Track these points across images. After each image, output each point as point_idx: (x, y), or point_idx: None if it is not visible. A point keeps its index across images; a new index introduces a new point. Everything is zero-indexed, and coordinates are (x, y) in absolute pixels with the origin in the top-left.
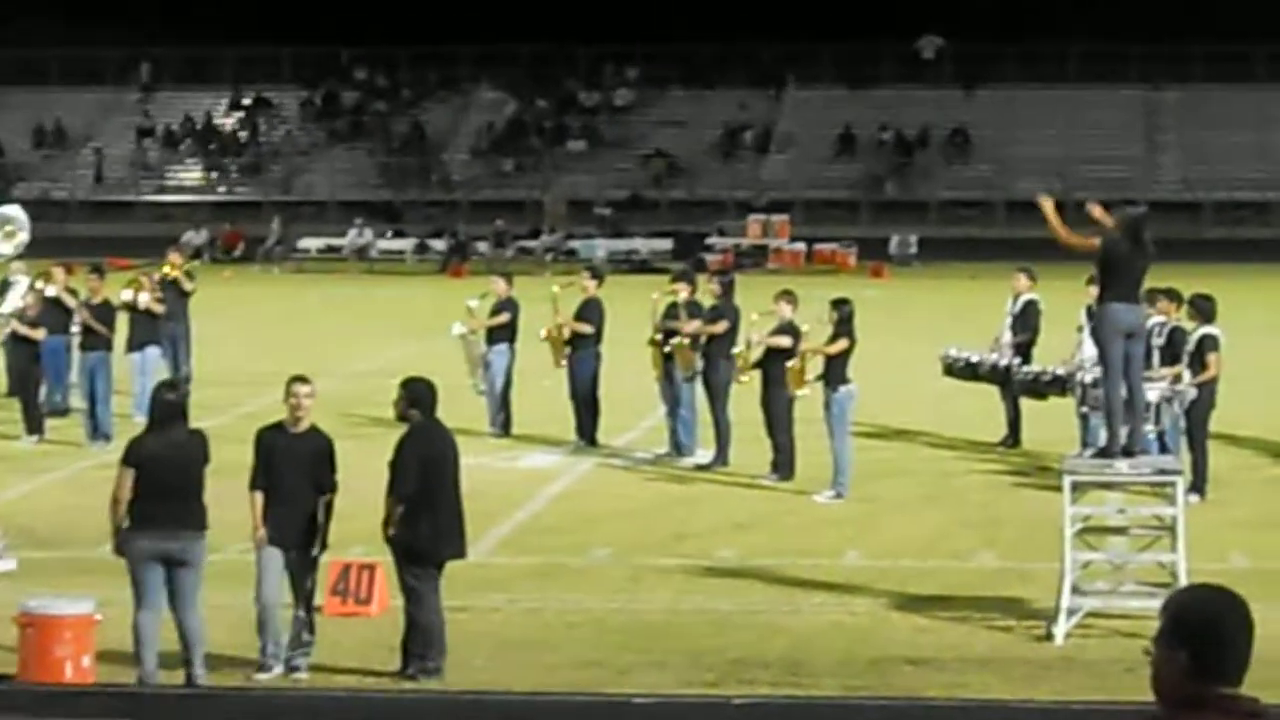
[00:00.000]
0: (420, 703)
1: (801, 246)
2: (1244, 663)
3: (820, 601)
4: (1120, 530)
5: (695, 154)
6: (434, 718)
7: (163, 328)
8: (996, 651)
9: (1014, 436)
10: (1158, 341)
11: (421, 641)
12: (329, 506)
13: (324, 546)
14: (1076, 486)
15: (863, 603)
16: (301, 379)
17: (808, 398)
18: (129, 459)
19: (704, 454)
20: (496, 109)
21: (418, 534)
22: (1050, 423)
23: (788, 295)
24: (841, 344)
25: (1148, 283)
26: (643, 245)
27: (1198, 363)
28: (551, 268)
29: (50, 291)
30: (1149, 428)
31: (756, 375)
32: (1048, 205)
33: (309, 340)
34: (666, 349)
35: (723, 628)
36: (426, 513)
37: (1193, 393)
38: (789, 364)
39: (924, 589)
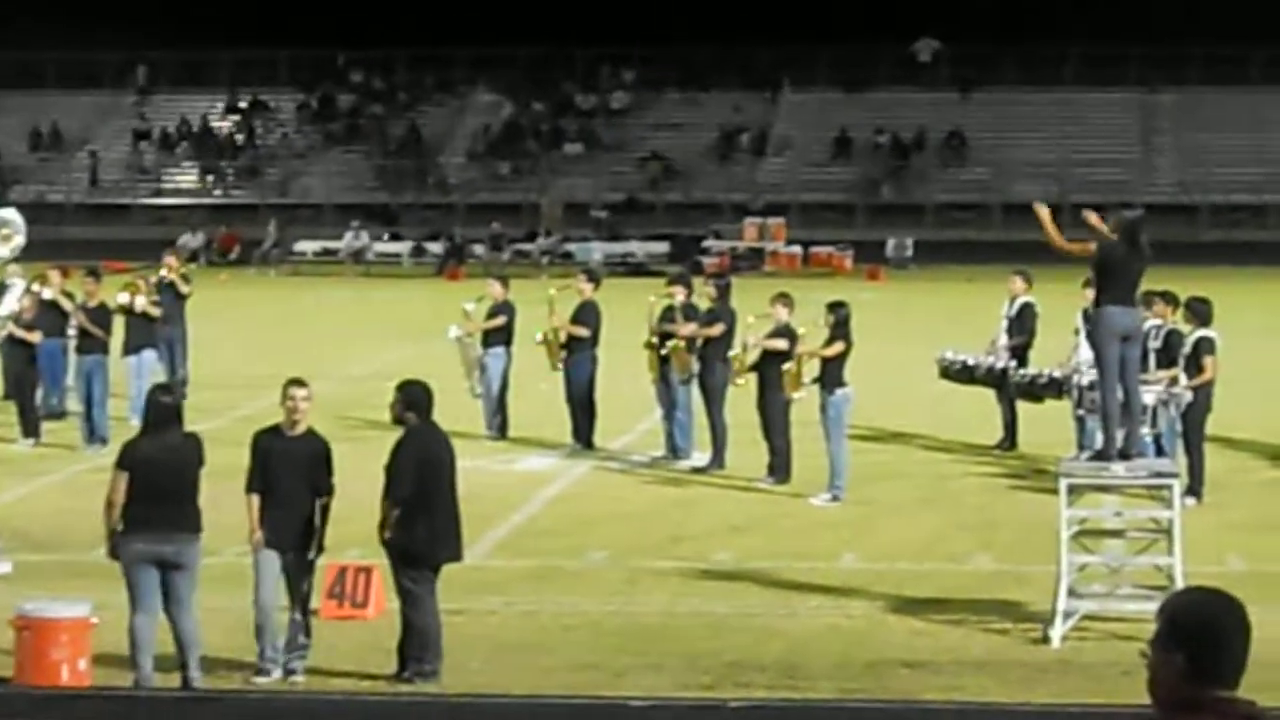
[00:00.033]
0: (417, 706)
1: (798, 249)
2: (1241, 665)
3: (817, 604)
4: (1117, 533)
5: (691, 157)
6: None
7: (159, 331)
8: (993, 654)
9: (1010, 439)
10: (1154, 344)
11: (418, 644)
12: (325, 509)
13: (320, 549)
14: (1073, 489)
15: (859, 605)
16: (298, 382)
17: (804, 400)
18: (123, 462)
19: (700, 457)
20: (493, 112)
21: (414, 537)
22: (1046, 425)
23: (784, 298)
24: (838, 347)
25: (1144, 285)
26: (639, 248)
27: (1194, 366)
28: (548, 270)
29: (46, 294)
30: (1145, 431)
31: (753, 378)
32: (1044, 214)
33: (305, 343)
34: (663, 352)
35: (719, 630)
36: (423, 516)
37: (1189, 396)
38: (785, 367)
39: (920, 592)
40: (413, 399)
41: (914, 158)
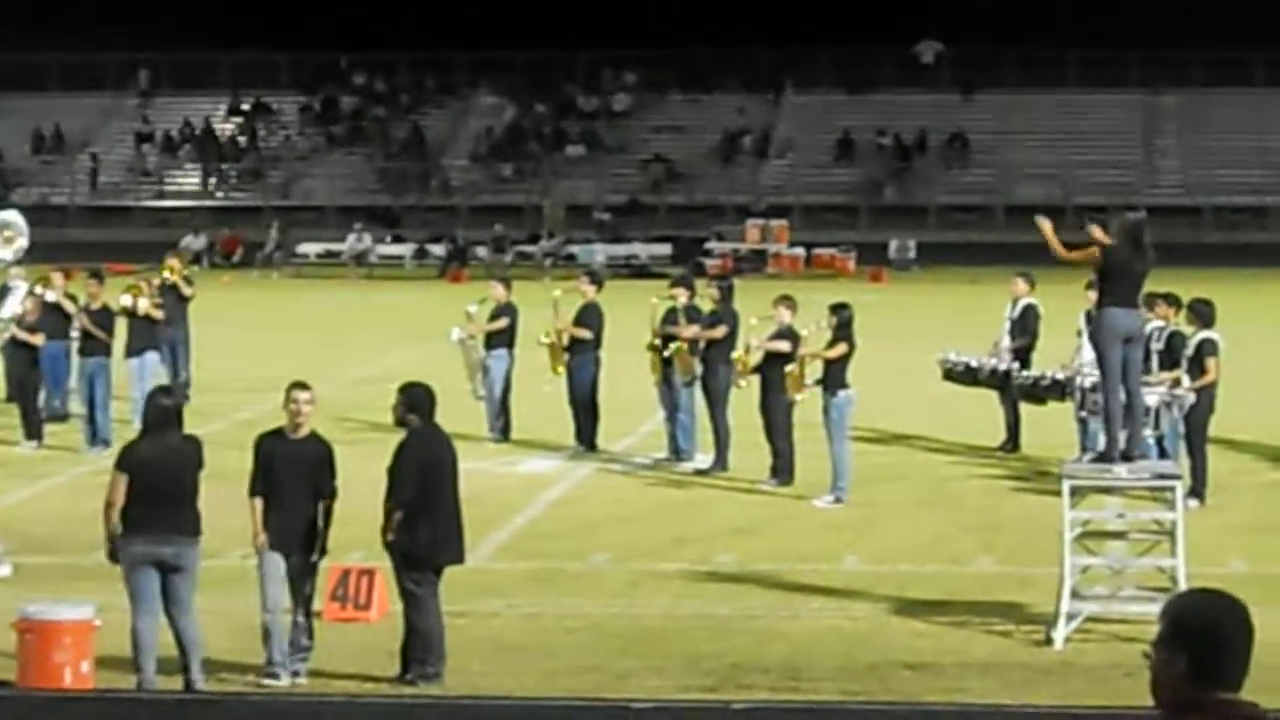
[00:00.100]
0: (419, 708)
1: (800, 251)
2: (1244, 667)
3: (819, 606)
4: (1119, 535)
5: (694, 159)
6: None
7: (162, 333)
8: (996, 656)
9: (1013, 441)
10: (1157, 346)
11: (421, 646)
12: (328, 512)
13: (323, 552)
14: (1076, 491)
15: (862, 607)
16: (301, 385)
17: (806, 402)
18: (123, 464)
19: (703, 459)
20: (495, 114)
21: (417, 539)
22: (1049, 427)
23: (786, 300)
24: (840, 349)
25: (1147, 287)
26: (642, 250)
27: (1197, 367)
28: (550, 273)
29: (49, 297)
30: (1148, 432)
31: (755, 380)
32: (1046, 226)
33: (308, 345)
34: (665, 354)
35: (722, 633)
36: (425, 518)
37: (1192, 397)
38: (788, 369)
39: (923, 594)
40: (415, 401)
41: (916, 159)
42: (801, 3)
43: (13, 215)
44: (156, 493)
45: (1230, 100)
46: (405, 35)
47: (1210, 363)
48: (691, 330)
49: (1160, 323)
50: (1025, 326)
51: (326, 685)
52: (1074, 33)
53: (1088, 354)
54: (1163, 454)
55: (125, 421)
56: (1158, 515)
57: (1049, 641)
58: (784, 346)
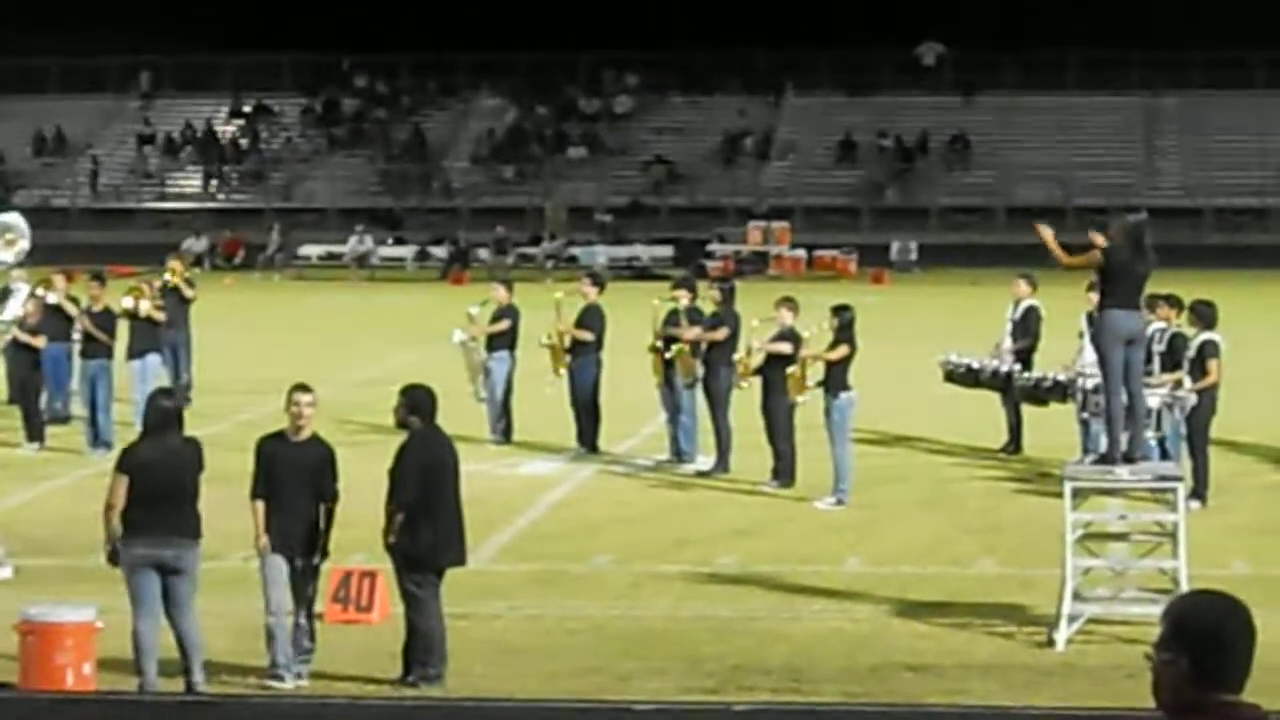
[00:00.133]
0: (421, 709)
1: (802, 253)
2: (1245, 669)
3: (821, 608)
4: (1121, 536)
5: (695, 160)
6: None
7: (163, 335)
8: (997, 658)
9: (1015, 443)
10: (1158, 348)
11: (422, 648)
12: (330, 514)
13: (325, 554)
14: (1077, 492)
15: (863, 609)
16: (303, 388)
17: (808, 404)
18: (123, 466)
19: (705, 460)
20: (497, 116)
21: (418, 541)
22: (1051, 429)
23: (788, 302)
24: (842, 350)
25: (1148, 289)
26: (643, 252)
27: (1198, 369)
28: (552, 274)
29: (51, 299)
30: (1150, 434)
31: (757, 382)
32: (1047, 234)
33: (309, 348)
34: (667, 356)
35: (723, 634)
36: (427, 520)
37: (1193, 399)
38: (789, 370)
39: (925, 595)
40: (416, 403)
41: (918, 161)
42: (803, 4)
43: (14, 218)
44: (157, 495)
45: (1231, 102)
46: (407, 37)
47: (1212, 364)
48: (693, 332)
49: (1162, 324)
50: (1027, 328)
51: (328, 687)
52: (1075, 34)
53: (1089, 355)
54: (1164, 455)
55: (127, 423)
56: (1159, 517)
57: (1051, 643)
58: (785, 348)
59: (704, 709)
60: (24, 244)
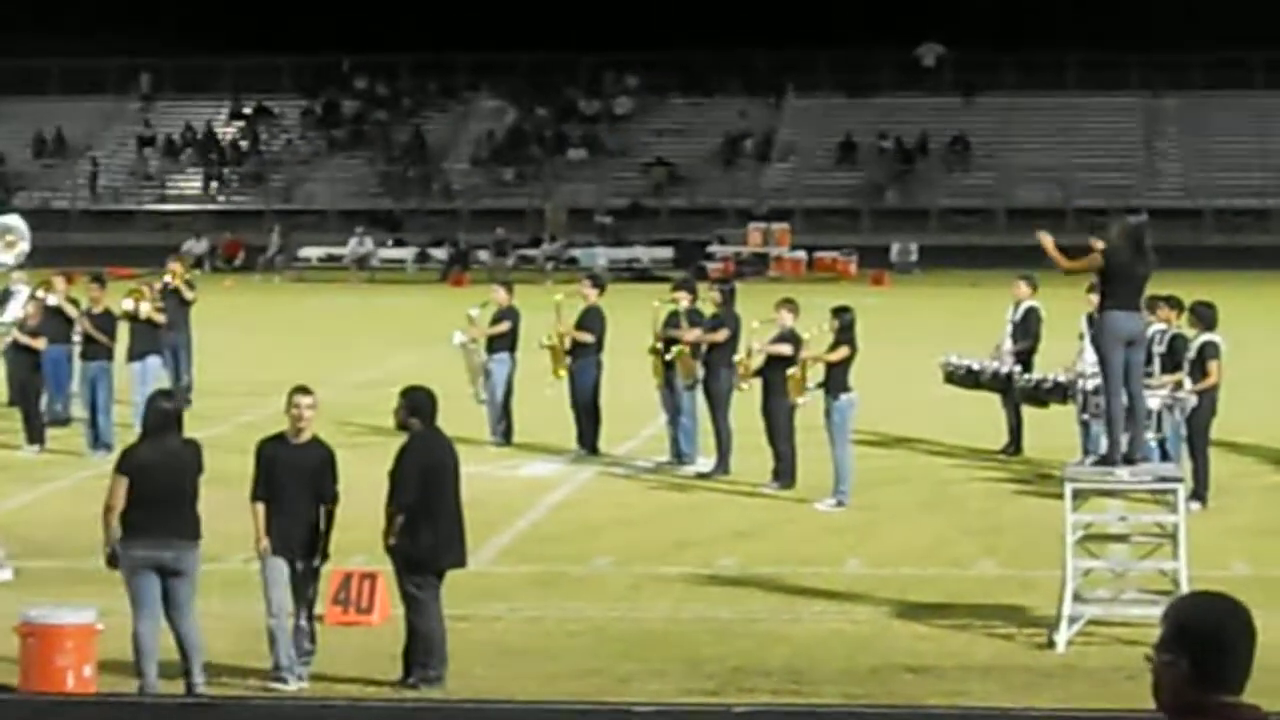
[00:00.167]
0: (421, 711)
1: (802, 254)
2: (1246, 670)
3: (821, 609)
4: (1122, 538)
5: (696, 162)
6: None
7: (164, 337)
8: (998, 659)
9: (1015, 444)
10: (1159, 349)
11: (423, 650)
12: (330, 516)
13: (325, 556)
14: (1078, 494)
15: (864, 611)
16: (303, 390)
17: (808, 405)
18: (122, 467)
19: (705, 462)
20: (497, 118)
21: (418, 543)
22: (1051, 430)
23: (788, 303)
24: (842, 352)
25: (1148, 290)
26: (644, 253)
27: (1199, 370)
28: (552, 276)
29: (51, 301)
30: (1150, 435)
31: (757, 383)
32: (1047, 241)
33: (309, 349)
34: (667, 357)
35: (723, 636)
36: (427, 522)
37: (1194, 400)
38: (790, 372)
39: (925, 597)
40: (416, 405)
41: (918, 162)
42: (803, 6)
43: (14, 219)
44: (156, 497)
45: (1230, 103)
46: (406, 38)
47: (1212, 365)
48: (693, 333)
49: (1162, 325)
50: (1027, 329)
51: (329, 689)
52: (1074, 36)
53: (1090, 357)
54: (1164, 457)
55: (127, 425)
56: (1160, 518)
57: (1051, 644)
58: (786, 350)
59: (704, 711)
60: (24, 246)
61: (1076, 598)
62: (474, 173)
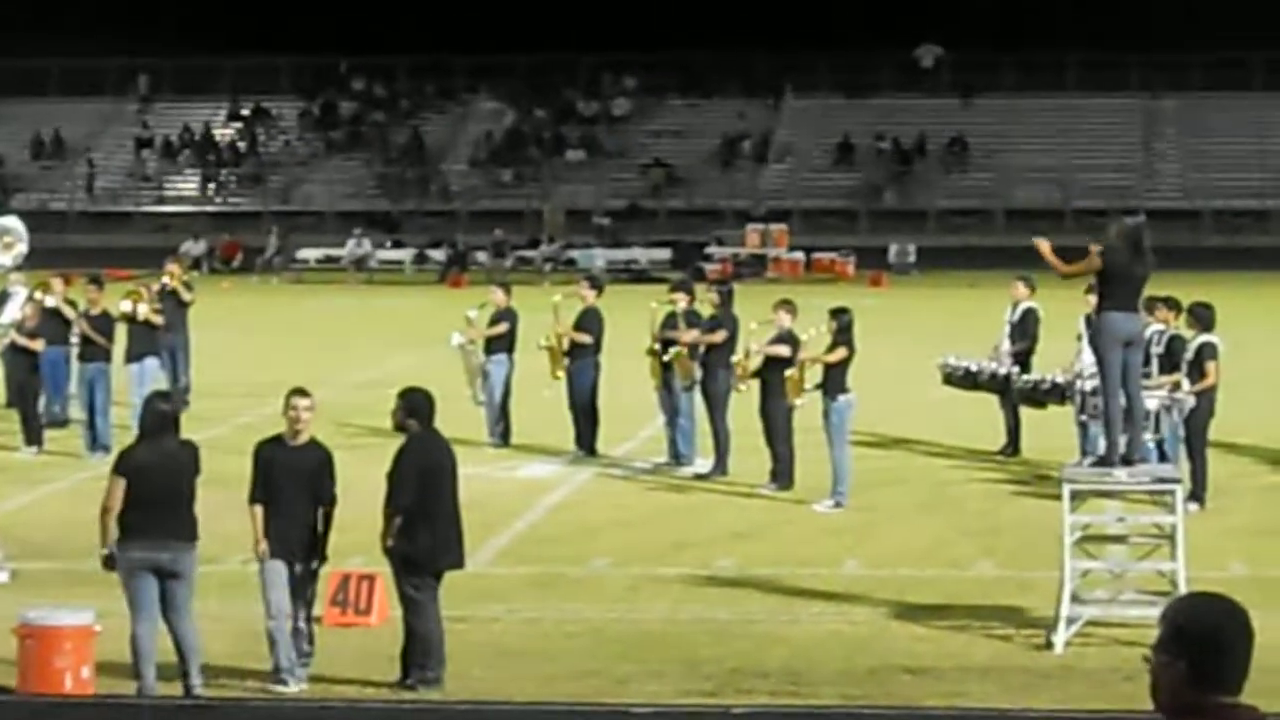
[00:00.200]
0: (419, 712)
1: (800, 255)
2: (1243, 671)
3: (819, 611)
4: (1120, 539)
5: (693, 163)
6: None
7: (161, 339)
8: (996, 660)
9: (1013, 445)
10: (1157, 350)
11: (421, 651)
12: (328, 518)
13: (324, 558)
14: (1076, 495)
15: (862, 612)
16: (301, 392)
17: (806, 406)
18: (120, 469)
19: (703, 463)
20: (495, 119)
21: (416, 544)
22: (1049, 431)
23: (786, 304)
24: (840, 353)
25: (1146, 291)
26: (641, 255)
27: (1196, 371)
28: (550, 277)
29: (49, 302)
30: (1148, 436)
31: (755, 384)
32: (1044, 247)
33: (307, 351)
34: (665, 358)
35: (721, 637)
36: (425, 523)
37: (1191, 401)
38: (788, 373)
39: (923, 598)
40: (414, 406)
41: (916, 164)
42: (801, 7)
43: (12, 221)
44: (154, 498)
45: (1229, 104)
46: (405, 40)
47: (1210, 366)
48: (691, 335)
49: (1160, 326)
50: (1025, 330)
51: (327, 690)
52: (1073, 36)
53: (1088, 358)
54: (1163, 458)
55: (125, 427)
56: (1158, 519)
57: (1049, 645)
58: (784, 351)
59: (702, 712)
60: (22, 247)
61: (1074, 599)
62: (472, 174)
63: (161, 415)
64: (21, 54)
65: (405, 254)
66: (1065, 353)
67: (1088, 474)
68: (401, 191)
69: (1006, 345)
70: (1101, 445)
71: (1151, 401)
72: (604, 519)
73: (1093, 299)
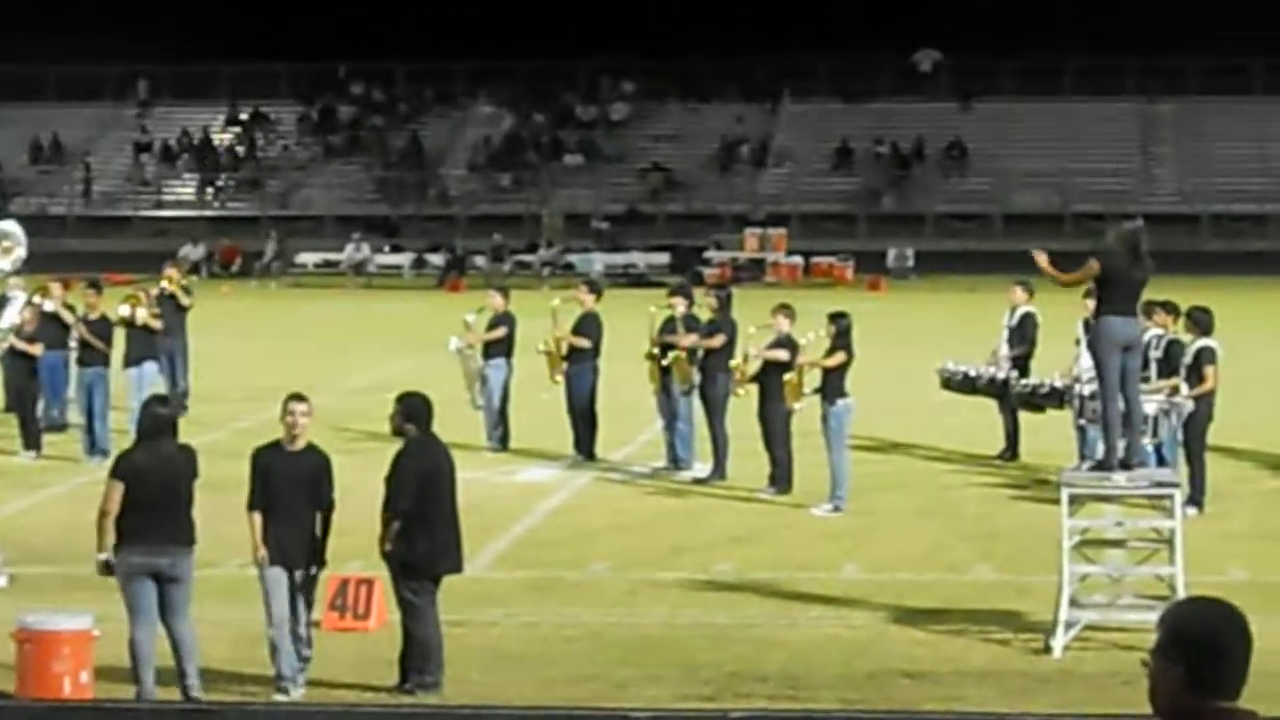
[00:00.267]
0: (418, 717)
1: (799, 260)
2: (1242, 676)
3: (818, 615)
4: (1118, 543)
5: (692, 168)
6: None
7: (160, 343)
8: (994, 664)
9: (1011, 449)
10: (1155, 354)
11: (419, 656)
12: (327, 523)
13: (322, 562)
14: (1074, 499)
15: (860, 616)
16: (298, 397)
17: (805, 411)
18: (117, 473)
19: (701, 467)
20: (493, 123)
21: (415, 549)
22: (1048, 435)
23: (785, 309)
24: (839, 357)
25: (1145, 295)
26: (640, 259)
27: (1195, 375)
28: (549, 282)
29: (48, 307)
30: (1146, 440)
31: (754, 389)
32: (1042, 259)
33: (306, 355)
34: (664, 363)
35: (720, 641)
36: (423, 527)
37: (1190, 405)
38: (786, 377)
39: (922, 602)
40: (413, 410)
41: (915, 168)
42: (800, 11)
43: (11, 225)
44: (151, 502)
45: (1228, 108)
46: (403, 44)
47: (1208, 370)
48: (690, 339)
49: (1159, 331)
50: (1023, 335)
51: (325, 695)
52: (1072, 41)
53: (1086, 362)
54: (1161, 462)
55: (124, 431)
56: (1156, 523)
57: (1047, 650)
58: (782, 355)
59: (701, 716)
60: (20, 252)
61: (1073, 603)
62: (471, 178)
63: (160, 419)
64: (20, 58)
65: (404, 258)
66: (1064, 357)
67: (1086, 478)
68: (400, 196)
69: (1005, 350)
70: (1100, 450)
71: (1150, 406)
72: (602, 523)
73: (1091, 303)
